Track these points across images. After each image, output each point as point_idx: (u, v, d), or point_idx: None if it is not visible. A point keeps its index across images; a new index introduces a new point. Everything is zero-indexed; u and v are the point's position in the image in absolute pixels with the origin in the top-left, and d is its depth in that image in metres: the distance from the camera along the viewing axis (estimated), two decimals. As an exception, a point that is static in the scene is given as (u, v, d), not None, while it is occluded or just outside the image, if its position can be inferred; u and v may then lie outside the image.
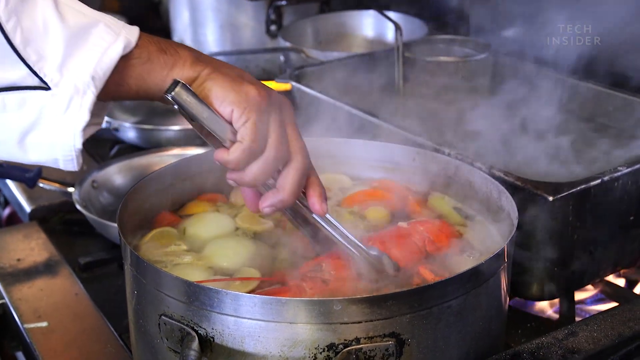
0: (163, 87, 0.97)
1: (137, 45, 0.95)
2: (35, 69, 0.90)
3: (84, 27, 0.92)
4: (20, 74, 0.91)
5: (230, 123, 0.98)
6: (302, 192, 1.05)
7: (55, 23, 0.91)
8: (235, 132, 0.98)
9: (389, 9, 2.32)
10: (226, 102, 0.97)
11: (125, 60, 0.94)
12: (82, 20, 0.93)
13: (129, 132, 2.02)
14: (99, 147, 2.11)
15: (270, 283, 1.09)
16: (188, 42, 2.50)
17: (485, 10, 2.06)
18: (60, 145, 0.94)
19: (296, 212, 1.10)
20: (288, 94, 1.81)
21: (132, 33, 0.95)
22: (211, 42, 2.48)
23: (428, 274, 1.10)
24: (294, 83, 1.79)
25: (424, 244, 1.16)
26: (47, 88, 0.91)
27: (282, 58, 2.20)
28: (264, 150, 0.99)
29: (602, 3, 1.72)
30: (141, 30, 0.98)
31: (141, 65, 0.96)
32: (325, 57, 2.06)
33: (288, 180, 1.02)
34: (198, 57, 1.00)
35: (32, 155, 0.96)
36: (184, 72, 0.97)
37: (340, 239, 1.08)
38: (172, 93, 0.96)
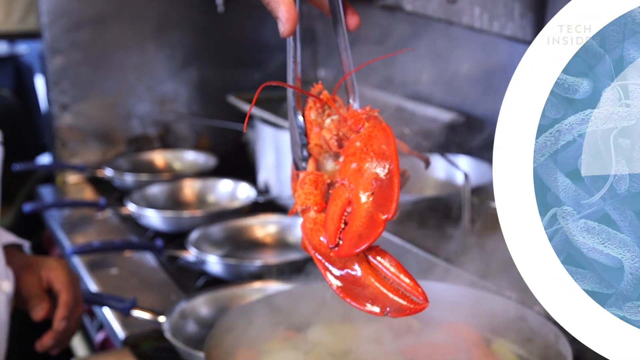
0: None
1: None
2: None
3: None
4: None
5: None
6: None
7: None
8: None
9: (461, 152, 2.46)
10: None
11: None
12: None
13: (215, 265, 2.19)
14: (187, 278, 2.28)
15: None
16: (273, 181, 2.69)
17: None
18: None
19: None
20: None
21: None
22: (294, 181, 2.66)
23: None
24: (367, 224, 1.92)
25: None
26: None
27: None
28: None
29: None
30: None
31: None
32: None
33: None
34: None
35: None
36: None
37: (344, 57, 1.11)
38: None
